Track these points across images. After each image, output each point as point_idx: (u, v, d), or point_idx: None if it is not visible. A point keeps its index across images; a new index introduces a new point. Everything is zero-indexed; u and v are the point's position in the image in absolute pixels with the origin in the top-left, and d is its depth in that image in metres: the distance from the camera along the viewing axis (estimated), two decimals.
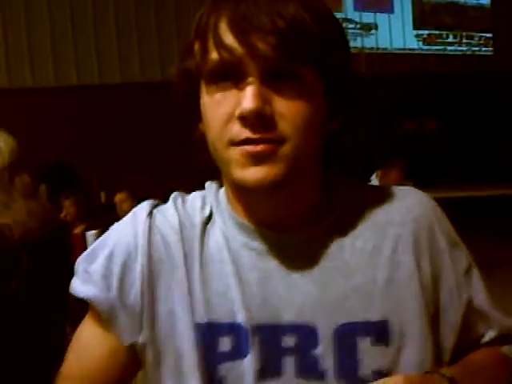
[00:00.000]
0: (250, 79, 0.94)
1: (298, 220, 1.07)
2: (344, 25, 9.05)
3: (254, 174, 0.96)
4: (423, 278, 1.07)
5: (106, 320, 1.08)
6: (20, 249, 1.80)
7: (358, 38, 9.25)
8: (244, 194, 1.06)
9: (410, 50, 9.62)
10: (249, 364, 1.01)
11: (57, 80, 7.52)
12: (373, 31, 9.43)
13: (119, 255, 1.09)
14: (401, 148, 7.86)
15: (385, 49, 9.42)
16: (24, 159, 1.97)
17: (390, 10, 9.54)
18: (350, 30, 9.09)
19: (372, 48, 9.32)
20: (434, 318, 1.07)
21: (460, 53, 9.89)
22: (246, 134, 0.94)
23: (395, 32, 9.55)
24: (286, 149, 0.96)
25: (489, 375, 1.11)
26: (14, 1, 7.45)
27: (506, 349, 1.17)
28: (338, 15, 8.93)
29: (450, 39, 9.91)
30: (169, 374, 1.05)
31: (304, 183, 1.06)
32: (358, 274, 1.05)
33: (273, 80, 0.95)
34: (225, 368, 1.02)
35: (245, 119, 0.94)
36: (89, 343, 1.13)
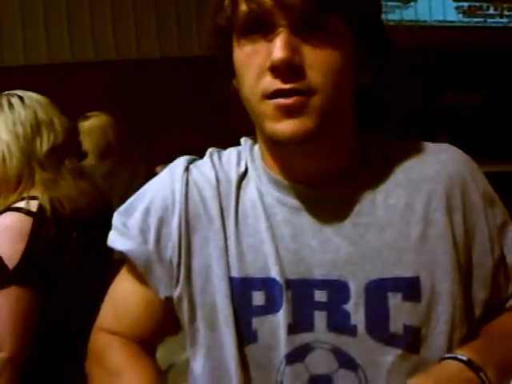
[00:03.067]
0: (280, 29, 0.95)
1: (331, 176, 1.08)
2: None
3: (286, 126, 0.97)
4: (456, 235, 1.07)
5: (143, 273, 1.11)
6: (71, 224, 1.82)
7: (397, 10, 9.12)
8: (278, 149, 1.07)
9: (450, 22, 9.47)
10: (281, 318, 1.03)
11: (96, 55, 7.53)
12: (412, 3, 9.29)
13: (156, 209, 1.11)
14: (442, 121, 7.77)
15: (424, 21, 9.29)
16: (75, 140, 1.98)
17: None
18: (388, 3, 8.97)
19: (411, 20, 9.19)
20: (466, 274, 1.07)
21: (501, 25, 9.71)
22: (278, 84, 0.96)
23: (435, 4, 9.40)
24: (316, 100, 0.97)
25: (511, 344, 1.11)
26: None
27: None
28: None
29: (491, 11, 9.73)
30: (203, 327, 1.08)
31: (337, 138, 1.06)
32: (390, 230, 1.06)
33: (302, 30, 0.96)
34: (258, 321, 1.04)
35: (275, 69, 0.95)
36: (124, 295, 1.17)
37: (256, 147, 1.15)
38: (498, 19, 9.75)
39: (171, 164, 1.16)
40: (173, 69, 7.18)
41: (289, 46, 0.94)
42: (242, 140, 1.19)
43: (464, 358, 1.00)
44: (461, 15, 9.51)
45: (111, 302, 1.20)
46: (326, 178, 1.08)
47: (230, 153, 1.18)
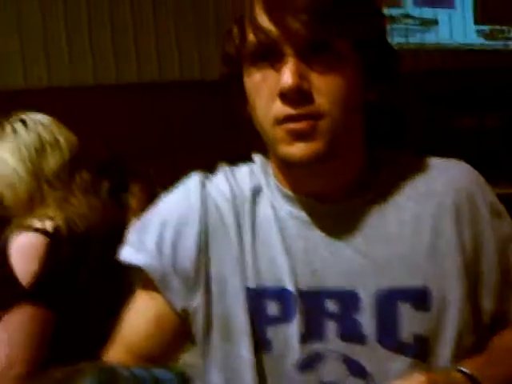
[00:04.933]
0: (287, 58, 0.99)
1: (342, 191, 1.11)
2: (404, 21, 8.95)
3: (297, 149, 1.01)
4: (465, 247, 1.08)
5: (160, 286, 1.13)
6: (85, 243, 1.83)
7: (418, 34, 9.13)
8: (289, 169, 1.10)
9: (471, 45, 9.47)
10: (294, 328, 1.06)
11: (117, 77, 7.60)
12: (433, 26, 9.30)
13: (172, 221, 1.13)
14: (462, 145, 7.75)
15: (445, 45, 9.29)
16: (84, 156, 1.99)
17: (450, 5, 9.40)
18: (410, 26, 8.98)
19: (432, 44, 9.19)
20: (474, 285, 1.09)
21: None
22: (287, 110, 1.00)
23: (456, 28, 9.40)
24: (325, 123, 1.00)
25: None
26: None
27: None
28: (398, 11, 8.86)
29: None
30: (218, 337, 1.10)
31: (346, 156, 1.09)
32: (400, 241, 1.08)
33: (309, 56, 0.99)
34: (272, 331, 1.07)
35: (285, 96, 0.99)
36: (137, 310, 1.18)
37: (269, 164, 1.18)
38: None
39: (185, 180, 1.19)
40: (192, 92, 7.22)
41: (296, 74, 0.98)
42: (256, 157, 1.21)
43: (468, 372, 1.00)
44: (482, 38, 9.51)
45: (120, 331, 1.19)
46: (336, 193, 1.11)
47: (243, 169, 1.20)
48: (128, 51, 7.68)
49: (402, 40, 8.80)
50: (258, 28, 1.00)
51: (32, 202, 1.86)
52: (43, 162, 1.88)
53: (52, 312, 1.76)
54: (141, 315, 1.17)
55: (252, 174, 1.18)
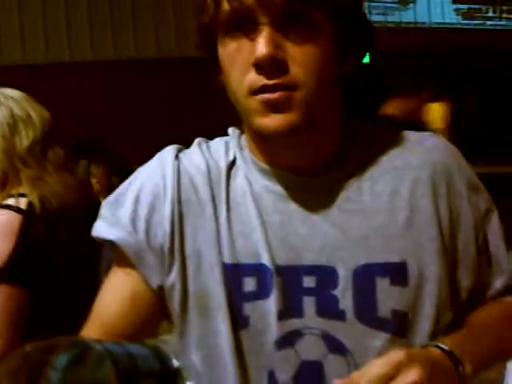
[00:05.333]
0: (262, 27, 0.97)
1: (318, 165, 1.10)
2: None
3: (272, 121, 1.00)
4: (441, 221, 1.08)
5: (135, 262, 1.11)
6: (59, 221, 1.82)
7: (396, 12, 9.13)
8: (265, 142, 1.09)
9: (449, 24, 9.49)
10: (272, 304, 1.05)
11: (94, 54, 7.55)
12: (411, 5, 9.30)
13: (146, 197, 1.11)
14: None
15: (423, 23, 9.30)
16: (57, 132, 1.96)
17: None
18: (387, 4, 8.98)
19: (410, 22, 9.20)
20: (451, 260, 1.09)
21: (500, 27, 9.72)
22: (262, 81, 0.98)
23: (434, 6, 9.41)
24: (300, 94, 0.99)
25: (493, 335, 1.13)
26: None
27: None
28: None
29: (490, 14, 9.74)
30: (195, 314, 1.09)
31: (323, 128, 1.08)
32: (377, 216, 1.07)
33: (284, 26, 0.98)
34: (249, 307, 1.06)
35: (259, 66, 0.97)
36: (112, 287, 1.16)
37: (243, 137, 1.17)
38: (497, 21, 9.76)
39: (160, 152, 1.17)
40: (171, 70, 7.18)
41: (271, 43, 0.96)
42: (230, 130, 1.20)
43: (446, 348, 1.00)
44: (460, 17, 9.53)
45: (95, 309, 1.17)
46: (313, 166, 1.10)
47: (218, 142, 1.19)
48: (104, 28, 7.62)
49: (380, 18, 8.80)
50: None
51: (5, 180, 1.83)
52: (16, 138, 1.85)
53: (27, 291, 1.74)
54: (116, 293, 1.15)
55: (227, 147, 1.17)
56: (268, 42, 0.96)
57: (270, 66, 0.97)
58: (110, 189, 4.99)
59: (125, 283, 1.14)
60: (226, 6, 0.99)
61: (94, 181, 5.04)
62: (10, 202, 1.78)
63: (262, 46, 0.96)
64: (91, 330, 1.14)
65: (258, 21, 0.97)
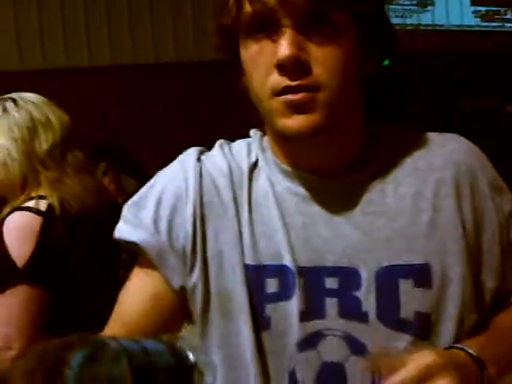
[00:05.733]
0: (285, 29, 0.97)
1: (341, 166, 1.10)
2: (400, 1, 8.91)
3: (294, 122, 1.00)
4: (465, 222, 1.08)
5: (157, 263, 1.11)
6: (79, 223, 1.83)
7: (414, 14, 9.09)
8: (287, 143, 1.09)
9: (468, 26, 9.44)
10: (294, 305, 1.04)
11: (112, 59, 7.58)
12: (429, 7, 9.27)
13: (168, 198, 1.12)
14: (457, 126, 7.74)
15: (441, 25, 9.26)
16: (76, 135, 1.99)
17: None
18: (406, 7, 8.94)
19: (428, 25, 9.16)
20: (475, 261, 1.08)
21: None
22: (285, 82, 0.98)
23: (452, 8, 9.37)
24: (323, 96, 0.99)
25: None
26: None
27: None
28: None
29: (508, 16, 9.68)
30: (217, 315, 1.09)
31: (346, 129, 1.08)
32: (400, 217, 1.07)
33: (306, 27, 0.98)
34: (271, 308, 1.06)
35: (282, 67, 0.98)
36: (134, 288, 1.17)
37: (265, 139, 1.17)
38: None
39: (181, 155, 1.18)
40: (189, 74, 7.19)
41: (294, 44, 0.97)
42: (252, 132, 1.20)
43: (472, 352, 1.00)
44: (478, 19, 9.48)
45: (117, 309, 1.18)
46: (336, 168, 1.10)
47: (240, 144, 1.19)
48: (123, 33, 7.65)
49: (398, 20, 8.77)
50: None
51: (25, 183, 1.86)
52: (35, 141, 1.88)
53: (47, 291, 1.77)
54: (138, 293, 1.16)
55: (249, 149, 1.17)
56: (291, 43, 0.96)
57: (293, 67, 0.97)
58: (121, 191, 5.02)
59: (147, 284, 1.14)
60: (248, 7, 0.99)
61: (107, 183, 5.04)
62: (30, 204, 1.81)
63: (284, 48, 0.96)
64: (113, 329, 1.14)
65: (280, 22, 0.98)
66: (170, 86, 7.29)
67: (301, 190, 1.10)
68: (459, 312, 1.05)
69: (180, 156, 1.18)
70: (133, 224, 1.13)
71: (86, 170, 2.00)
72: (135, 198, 1.16)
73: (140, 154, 5.10)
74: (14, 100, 1.91)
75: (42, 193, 1.83)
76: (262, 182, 1.12)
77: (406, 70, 8.51)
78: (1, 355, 1.72)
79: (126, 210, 1.15)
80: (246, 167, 1.13)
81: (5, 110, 1.89)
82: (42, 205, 1.80)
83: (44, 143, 1.88)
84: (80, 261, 1.81)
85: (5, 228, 1.79)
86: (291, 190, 1.10)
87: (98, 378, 0.70)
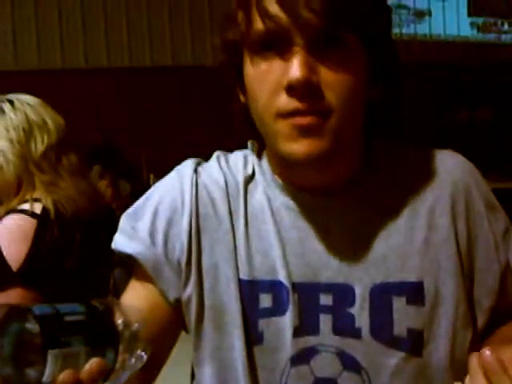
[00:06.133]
0: (297, 48, 0.94)
1: (339, 184, 1.09)
2: (397, 11, 8.93)
3: (301, 146, 0.97)
4: (459, 241, 1.07)
5: (152, 275, 1.11)
6: (73, 226, 1.83)
7: (411, 25, 9.12)
8: (288, 165, 1.07)
9: (464, 37, 9.47)
10: (288, 320, 1.04)
11: (109, 62, 7.58)
12: (426, 18, 9.30)
13: (164, 210, 1.11)
14: (453, 138, 7.76)
15: (438, 36, 9.29)
16: (72, 138, 1.99)
17: None
18: (403, 17, 8.97)
19: (425, 35, 9.20)
20: (469, 280, 1.08)
21: None
22: (294, 104, 0.95)
23: (449, 19, 9.40)
24: (332, 121, 0.97)
25: None
26: None
27: None
28: (392, 1, 8.84)
29: (505, 27, 9.72)
30: (210, 328, 1.08)
31: (347, 152, 1.07)
32: (395, 235, 1.07)
33: (319, 49, 0.95)
34: (265, 323, 1.05)
35: (292, 89, 0.94)
36: (131, 299, 1.15)
37: (263, 152, 1.16)
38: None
39: (178, 166, 1.17)
40: (185, 77, 7.20)
41: (306, 66, 0.94)
42: (249, 143, 1.19)
43: None
44: (475, 31, 9.51)
45: None
46: (333, 186, 1.09)
47: (237, 156, 1.18)
48: (120, 36, 7.65)
49: (395, 31, 8.80)
50: (267, 15, 0.95)
51: (20, 185, 1.86)
52: (31, 143, 1.87)
53: (41, 294, 1.75)
54: (137, 304, 1.13)
55: (246, 160, 1.16)
56: (303, 64, 0.93)
57: (304, 89, 0.94)
58: (118, 195, 5.01)
59: (143, 296, 1.13)
60: (259, 25, 0.96)
61: (103, 186, 5.03)
62: (25, 206, 1.81)
63: (296, 69, 0.93)
64: None
65: (292, 42, 0.95)
66: (165, 88, 7.30)
67: (297, 206, 1.09)
68: (452, 329, 1.05)
69: (177, 167, 1.17)
70: (129, 235, 1.12)
71: (80, 173, 2.00)
72: (132, 209, 1.15)
73: (135, 157, 5.09)
74: (10, 101, 1.91)
75: (36, 195, 1.83)
76: (258, 195, 1.11)
77: (401, 80, 8.50)
78: None
79: (123, 220, 1.15)
80: (241, 179, 1.13)
81: (1, 111, 1.89)
82: (37, 207, 1.80)
83: (40, 145, 1.88)
84: (74, 263, 1.81)
85: (0, 231, 1.78)
86: (288, 205, 1.09)
87: (15, 333, 0.78)
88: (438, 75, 8.42)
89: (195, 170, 1.14)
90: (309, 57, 0.94)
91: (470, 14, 9.55)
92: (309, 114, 0.95)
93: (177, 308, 1.11)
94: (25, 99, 1.94)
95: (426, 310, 1.05)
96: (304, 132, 0.96)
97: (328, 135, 0.97)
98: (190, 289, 1.08)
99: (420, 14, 9.22)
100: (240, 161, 1.16)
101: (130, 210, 1.15)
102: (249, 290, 1.06)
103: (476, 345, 1.08)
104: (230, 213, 1.10)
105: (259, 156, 1.16)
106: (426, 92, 8.41)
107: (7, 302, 1.68)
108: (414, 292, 1.05)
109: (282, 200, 1.10)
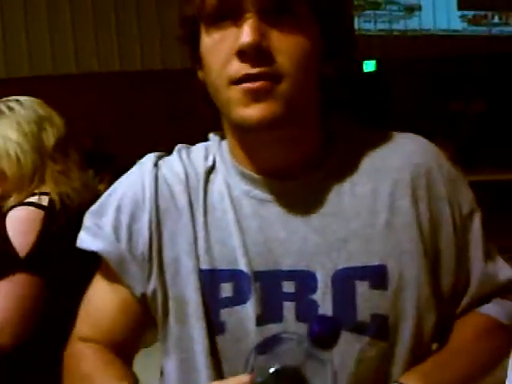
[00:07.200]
0: (248, 15, 0.96)
1: (298, 167, 1.08)
2: (388, 7, 8.95)
3: (253, 111, 0.97)
4: (422, 223, 1.07)
5: (118, 271, 1.11)
6: (78, 218, 1.86)
7: (401, 20, 9.13)
8: (245, 138, 1.08)
9: (454, 31, 9.48)
10: (250, 309, 1.04)
11: (99, 66, 7.59)
12: (416, 12, 9.30)
13: (127, 206, 1.11)
14: (445, 130, 7.78)
15: (428, 30, 9.30)
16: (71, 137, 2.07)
17: None
18: (393, 13, 8.98)
19: (416, 30, 9.20)
20: (433, 262, 1.08)
21: (506, 34, 9.70)
22: (246, 69, 0.97)
23: (439, 13, 9.41)
24: (283, 86, 0.98)
25: (466, 360, 1.09)
26: None
27: (486, 309, 1.14)
28: None
29: (496, 20, 9.73)
30: (173, 320, 1.08)
31: (303, 125, 1.07)
32: (356, 219, 1.06)
33: (270, 16, 0.97)
34: (226, 313, 1.05)
35: (243, 53, 0.96)
36: (99, 299, 1.17)
37: (224, 142, 1.16)
38: (502, 28, 9.75)
39: (140, 160, 1.17)
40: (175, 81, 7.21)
41: (257, 31, 0.95)
42: (210, 135, 1.19)
43: None
44: (465, 24, 9.52)
45: (85, 310, 1.20)
46: (293, 169, 1.08)
47: (198, 148, 1.18)
48: (110, 42, 7.67)
49: (385, 26, 8.80)
50: None
51: (33, 177, 1.92)
52: (43, 135, 1.95)
53: (44, 281, 1.82)
54: (106, 299, 1.16)
55: (207, 152, 1.16)
56: (254, 29, 0.95)
57: (255, 54, 0.95)
58: None
59: (113, 290, 1.15)
60: None
61: (102, 189, 5.03)
62: (33, 199, 1.88)
63: (246, 34, 0.95)
64: (83, 329, 1.19)
65: (244, 9, 0.96)
66: (157, 92, 7.31)
67: (258, 192, 1.09)
68: (417, 312, 1.05)
69: (138, 161, 1.17)
70: (93, 233, 1.13)
71: (83, 168, 2.08)
72: (95, 206, 1.16)
73: (128, 161, 5.10)
74: (16, 100, 1.99)
75: (44, 189, 1.90)
76: (218, 185, 1.11)
77: (393, 74, 8.56)
78: None
79: (87, 218, 1.16)
80: (202, 171, 1.13)
81: (10, 108, 1.96)
82: (44, 200, 1.87)
83: (51, 137, 1.96)
84: (78, 255, 1.84)
85: (8, 221, 1.85)
86: (249, 193, 1.09)
87: None
88: (429, 69, 8.44)
89: (156, 164, 1.14)
90: (260, 23, 0.96)
91: (459, 8, 9.55)
92: (260, 78, 0.96)
93: (143, 302, 1.12)
94: (30, 98, 2.02)
95: (390, 293, 1.04)
96: (255, 96, 0.97)
97: (280, 99, 0.98)
98: (153, 283, 1.09)
99: (410, 9, 9.23)
100: (201, 152, 1.16)
101: (93, 207, 1.16)
102: (209, 280, 1.06)
103: (441, 327, 1.09)
104: (190, 205, 1.09)
105: (220, 146, 1.16)
106: (419, 85, 8.42)
107: (13, 287, 1.81)
108: (377, 276, 1.04)
109: (242, 188, 1.10)
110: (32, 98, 2.02)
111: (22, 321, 1.80)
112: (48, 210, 1.85)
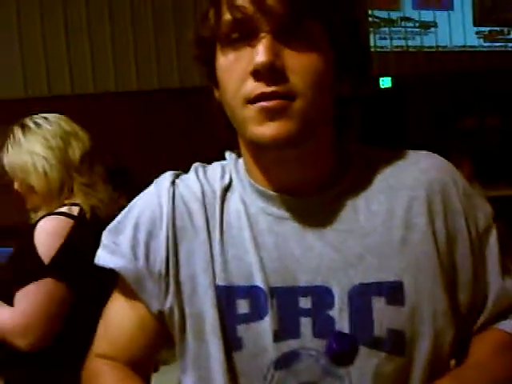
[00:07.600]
0: (262, 35, 0.98)
1: (314, 184, 1.10)
2: (403, 23, 8.95)
3: (268, 129, 0.98)
4: (438, 239, 1.07)
5: (135, 289, 1.12)
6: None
7: (417, 37, 9.13)
8: (261, 157, 1.09)
9: (471, 47, 9.46)
10: (267, 325, 1.04)
11: (116, 86, 7.63)
12: (432, 29, 9.30)
13: (144, 224, 1.13)
14: (462, 145, 7.76)
15: (444, 47, 9.28)
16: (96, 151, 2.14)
17: (449, 7, 9.39)
18: (408, 29, 8.98)
19: (431, 46, 9.19)
20: (450, 278, 1.08)
21: None
22: (261, 88, 0.98)
23: (455, 30, 9.40)
24: (298, 104, 0.98)
25: (486, 374, 1.08)
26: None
27: (503, 325, 1.14)
28: (397, 14, 8.86)
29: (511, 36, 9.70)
30: (191, 337, 1.09)
31: (318, 144, 1.08)
32: (372, 235, 1.07)
33: (284, 36, 0.98)
34: (242, 329, 1.05)
35: (258, 73, 0.97)
36: (116, 317, 1.19)
37: (240, 160, 1.17)
38: None
39: (157, 179, 1.19)
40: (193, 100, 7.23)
41: (271, 51, 0.97)
42: (227, 154, 1.21)
43: None
44: (482, 40, 9.50)
45: (103, 327, 1.21)
46: (309, 186, 1.10)
47: (215, 166, 1.20)
48: (128, 61, 7.71)
49: (401, 43, 8.81)
50: (233, 6, 0.99)
51: (61, 190, 1.99)
52: (69, 149, 2.02)
53: (69, 287, 1.88)
54: (123, 320, 1.17)
55: (223, 170, 1.17)
56: (268, 49, 0.97)
57: (269, 73, 0.97)
58: None
59: (130, 308, 1.16)
60: (227, 16, 1.00)
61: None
62: (63, 209, 1.95)
63: (261, 53, 0.96)
64: (101, 347, 1.20)
65: (258, 29, 0.98)
66: (174, 111, 7.34)
67: (274, 209, 1.10)
68: (434, 328, 1.05)
69: (156, 180, 1.19)
70: (111, 250, 1.14)
71: (108, 182, 2.15)
72: (113, 223, 1.18)
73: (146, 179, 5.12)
74: (43, 117, 2.07)
75: (74, 200, 1.97)
76: (234, 202, 1.12)
77: (410, 91, 8.55)
78: (19, 342, 1.84)
79: (105, 236, 1.17)
80: (219, 189, 1.14)
81: (37, 124, 2.04)
82: (74, 210, 1.94)
83: (77, 151, 2.03)
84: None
85: (37, 229, 1.91)
86: (264, 210, 1.10)
87: None
88: (446, 85, 8.42)
89: (173, 182, 1.15)
90: (274, 42, 0.98)
91: (475, 24, 9.54)
92: (274, 97, 0.97)
93: (160, 319, 1.13)
94: (55, 115, 2.09)
95: (406, 309, 1.04)
96: (270, 115, 0.98)
97: (294, 118, 0.98)
98: (170, 300, 1.09)
99: (426, 26, 9.23)
100: (218, 171, 1.18)
101: (111, 225, 1.18)
102: (226, 296, 1.07)
103: (460, 342, 1.09)
104: (207, 223, 1.11)
105: (236, 165, 1.17)
106: (435, 101, 8.40)
107: (38, 292, 1.85)
108: (394, 292, 1.04)
109: (259, 205, 1.11)
110: (57, 115, 2.08)
111: (47, 324, 1.84)
112: (78, 220, 1.91)
